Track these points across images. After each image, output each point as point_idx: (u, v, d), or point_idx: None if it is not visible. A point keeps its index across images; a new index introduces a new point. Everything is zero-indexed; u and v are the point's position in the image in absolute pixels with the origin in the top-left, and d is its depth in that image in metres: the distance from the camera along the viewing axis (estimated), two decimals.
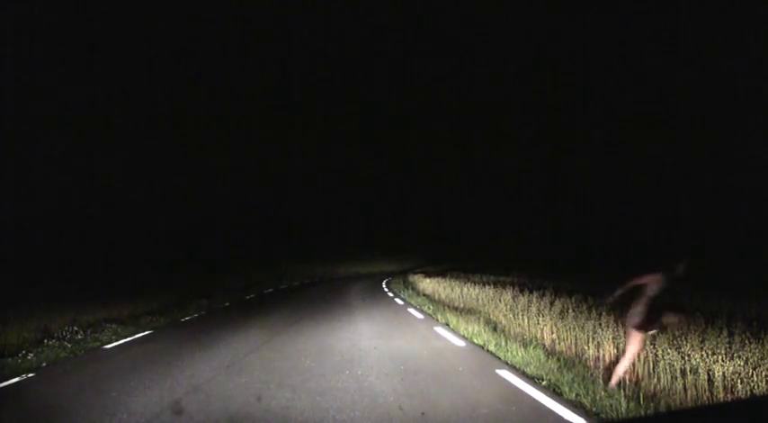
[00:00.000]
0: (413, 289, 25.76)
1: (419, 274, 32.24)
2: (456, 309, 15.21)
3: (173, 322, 13.88)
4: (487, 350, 9.38)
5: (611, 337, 8.23)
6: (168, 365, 8.16)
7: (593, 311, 9.82)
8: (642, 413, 5.63)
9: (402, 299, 20.85)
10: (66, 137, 48.19)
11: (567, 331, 9.52)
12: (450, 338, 10.53)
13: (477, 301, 15.00)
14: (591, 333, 8.73)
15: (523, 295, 13.33)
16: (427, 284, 24.04)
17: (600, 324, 8.63)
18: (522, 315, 11.45)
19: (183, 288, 24.67)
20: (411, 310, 16.16)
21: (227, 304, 19.26)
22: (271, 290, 28.60)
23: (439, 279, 23.93)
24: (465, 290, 17.42)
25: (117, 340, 10.77)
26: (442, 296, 19.18)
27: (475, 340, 10.30)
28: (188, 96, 75.57)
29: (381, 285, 31.52)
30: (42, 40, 50.08)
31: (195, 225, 60.12)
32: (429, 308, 16.51)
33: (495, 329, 11.50)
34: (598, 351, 8.55)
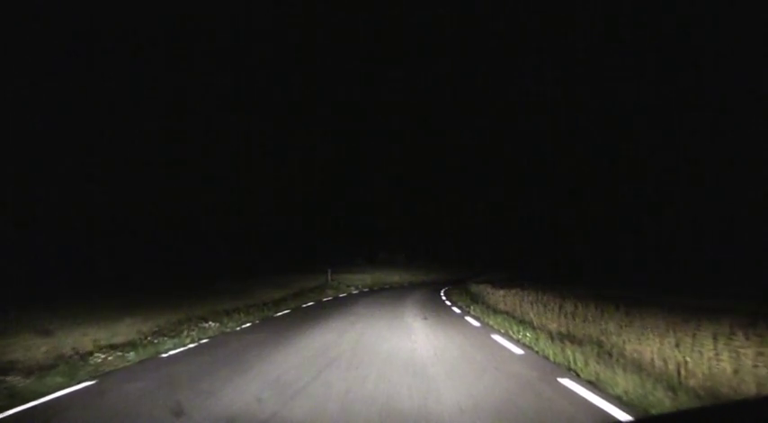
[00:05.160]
0: (483, 303, 20.86)
1: (483, 285, 27.27)
2: (571, 339, 10.26)
3: (139, 365, 9.44)
4: None
5: None
6: None
7: None
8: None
9: (475, 317, 16.04)
10: (67, 135, 44.99)
11: None
12: (605, 410, 5.68)
13: (603, 328, 10.02)
14: None
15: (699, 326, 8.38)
16: (500, 298, 19.15)
17: None
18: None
19: (201, 300, 20.48)
20: (497, 338, 11.33)
21: (247, 325, 14.82)
22: (311, 303, 24.12)
23: (517, 291, 19.01)
24: (568, 308, 12.51)
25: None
26: (531, 316, 14.24)
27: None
28: (217, 90, 71.15)
29: (440, 297, 26.75)
30: (40, 35, 47.22)
31: (228, 229, 56.37)
32: (521, 333, 11.67)
33: (671, 388, 6.60)
34: None
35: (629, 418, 5.46)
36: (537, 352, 9.45)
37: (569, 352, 8.61)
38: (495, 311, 17.40)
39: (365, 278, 47.31)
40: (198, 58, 70.21)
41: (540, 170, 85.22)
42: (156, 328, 12.92)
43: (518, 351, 9.60)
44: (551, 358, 8.76)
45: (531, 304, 15.23)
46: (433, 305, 21.86)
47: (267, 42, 79.91)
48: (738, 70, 50.36)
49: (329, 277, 39.80)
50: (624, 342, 8.88)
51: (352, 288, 37.36)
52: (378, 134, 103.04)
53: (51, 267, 33.46)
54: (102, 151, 48.36)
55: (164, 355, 9.93)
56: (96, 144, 47.73)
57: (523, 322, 14.12)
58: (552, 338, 10.43)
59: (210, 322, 13.83)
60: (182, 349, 10.62)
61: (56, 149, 43.69)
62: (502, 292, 19.84)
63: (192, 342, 11.54)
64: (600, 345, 9.20)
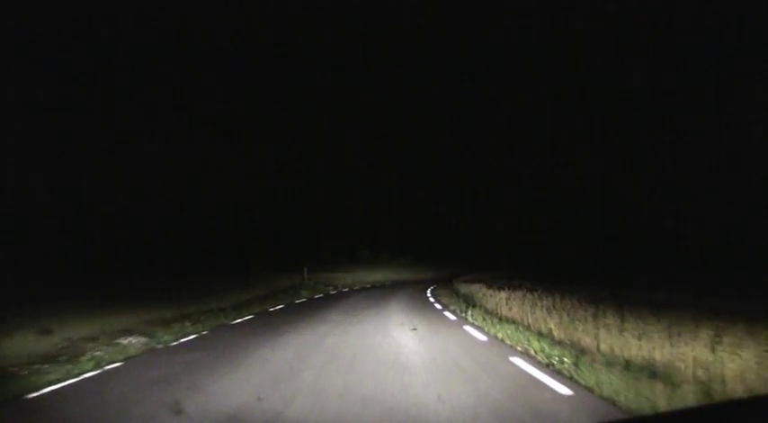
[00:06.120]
0: (480, 307, 17.77)
1: (477, 284, 24.06)
2: (628, 366, 7.11)
3: None
4: None
5: None
6: None
7: None
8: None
9: (477, 327, 12.91)
10: (67, 135, 42.73)
11: None
12: None
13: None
14: None
15: None
16: (502, 302, 16.02)
17: None
18: None
19: (154, 306, 17.20)
20: (520, 364, 8.13)
21: (189, 337, 11.52)
22: (281, 306, 20.83)
23: (524, 293, 15.87)
24: (609, 319, 9.38)
25: None
26: (550, 326, 11.13)
27: None
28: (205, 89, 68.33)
29: (428, 299, 23.67)
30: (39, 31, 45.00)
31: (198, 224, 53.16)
32: (551, 355, 8.51)
33: None
34: None
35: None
36: (592, 391, 6.26)
37: (659, 396, 5.43)
38: (501, 319, 14.27)
39: (345, 277, 44.04)
40: (193, 59, 67.92)
41: (538, 169, 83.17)
42: (56, 347, 9.58)
43: (562, 389, 6.40)
44: (624, 403, 5.60)
45: (548, 311, 12.09)
46: (421, 309, 18.71)
47: (264, 43, 76.95)
48: (738, 69, 48.41)
49: (305, 276, 36.50)
50: (725, 379, 5.80)
51: (330, 288, 34.02)
52: (371, 133, 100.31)
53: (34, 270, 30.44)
54: (99, 152, 46.49)
55: (31, 396, 6.59)
56: (95, 145, 46.21)
57: (542, 335, 11.00)
58: (609, 366, 7.28)
59: (131, 338, 10.42)
60: (68, 383, 7.27)
61: (56, 149, 42.19)
62: (503, 295, 16.66)
63: (93, 368, 8.19)
64: (697, 380, 6.06)
